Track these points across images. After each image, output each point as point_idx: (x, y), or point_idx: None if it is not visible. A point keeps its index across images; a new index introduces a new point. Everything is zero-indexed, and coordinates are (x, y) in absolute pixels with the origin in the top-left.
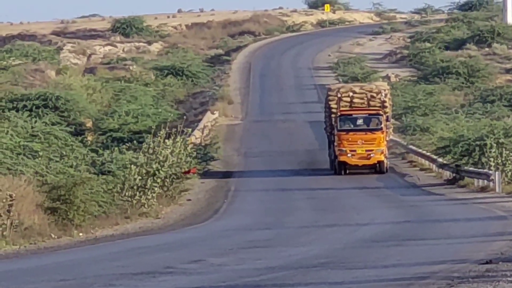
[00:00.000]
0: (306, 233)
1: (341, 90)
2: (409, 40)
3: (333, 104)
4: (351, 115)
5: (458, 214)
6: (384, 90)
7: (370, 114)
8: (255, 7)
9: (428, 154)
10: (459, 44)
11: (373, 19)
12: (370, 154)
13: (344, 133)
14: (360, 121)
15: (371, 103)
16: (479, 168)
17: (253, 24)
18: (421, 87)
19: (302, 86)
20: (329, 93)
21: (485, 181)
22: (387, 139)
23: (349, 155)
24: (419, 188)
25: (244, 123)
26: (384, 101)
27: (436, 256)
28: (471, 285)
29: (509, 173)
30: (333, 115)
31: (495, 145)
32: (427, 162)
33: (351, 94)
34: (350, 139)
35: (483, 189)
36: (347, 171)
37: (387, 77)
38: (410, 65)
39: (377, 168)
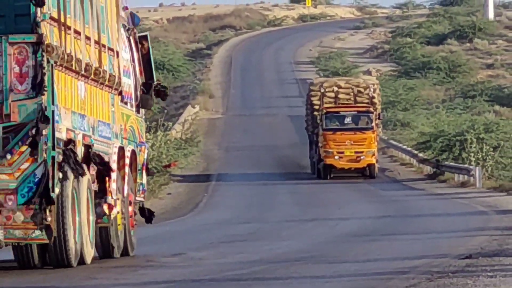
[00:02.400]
0: (288, 227)
1: (325, 84)
2: (390, 35)
3: (315, 100)
4: (338, 112)
5: (439, 209)
6: (373, 84)
7: (359, 112)
8: (236, 1)
9: (408, 149)
10: (440, 39)
11: (355, 14)
12: (360, 156)
13: (331, 132)
14: (348, 119)
15: (358, 99)
16: (459, 163)
17: (235, 18)
18: (402, 82)
19: (283, 81)
20: (311, 88)
21: (466, 176)
22: (378, 139)
23: (336, 157)
24: (400, 183)
25: (225, 117)
26: (373, 97)
27: (416, 251)
28: (451, 280)
29: (490, 168)
30: (315, 113)
31: (475, 140)
32: (407, 157)
33: (335, 89)
34: (337, 139)
35: (463, 184)
36: (332, 175)
37: (368, 72)
38: (391, 60)
39: (366, 172)
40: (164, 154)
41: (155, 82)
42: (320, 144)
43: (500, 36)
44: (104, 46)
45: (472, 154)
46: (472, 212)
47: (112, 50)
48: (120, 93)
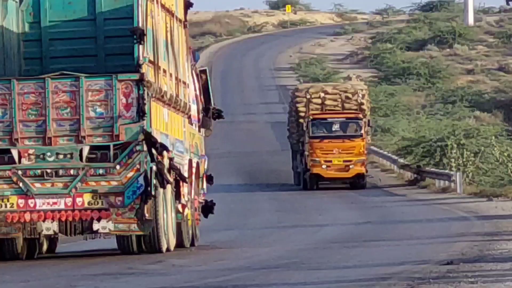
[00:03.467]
0: (269, 234)
1: (311, 90)
2: (370, 40)
3: (301, 107)
4: (325, 119)
5: (420, 215)
6: (361, 90)
7: (348, 118)
8: (216, 8)
9: (389, 155)
10: (420, 45)
11: (334, 19)
12: (348, 166)
13: (318, 140)
14: (336, 127)
15: (346, 105)
16: (440, 169)
17: (215, 24)
18: (382, 87)
19: (263, 87)
20: (297, 94)
21: (446, 182)
22: (367, 147)
23: (323, 166)
24: (381, 189)
25: None
26: (362, 103)
27: (398, 257)
28: (432, 286)
29: (470, 174)
30: (301, 120)
31: (456, 146)
32: (388, 163)
33: (322, 95)
34: (324, 147)
35: (444, 190)
36: (319, 186)
37: (349, 78)
38: (372, 66)
39: (355, 182)
40: None
41: (212, 106)
42: (306, 153)
43: (480, 41)
44: (179, 80)
45: (452, 160)
46: (453, 218)
47: (184, 83)
48: (189, 117)
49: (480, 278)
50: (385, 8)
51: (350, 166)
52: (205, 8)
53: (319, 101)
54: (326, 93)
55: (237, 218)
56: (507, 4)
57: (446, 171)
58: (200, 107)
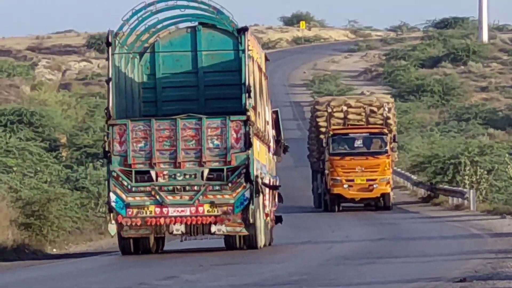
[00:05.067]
0: (281, 250)
1: (332, 103)
2: (384, 57)
3: (321, 122)
4: (347, 134)
5: (433, 232)
6: (387, 103)
7: (371, 133)
8: None
9: (402, 172)
10: (434, 62)
11: (349, 36)
12: (372, 185)
13: (339, 157)
14: (358, 142)
15: (371, 119)
16: (453, 186)
17: None
18: (396, 104)
19: (276, 103)
20: (317, 107)
21: (460, 199)
22: (393, 165)
23: (345, 186)
24: (394, 206)
25: None
26: (388, 117)
27: (411, 274)
28: None
29: (484, 191)
30: (321, 136)
31: (469, 163)
32: (401, 180)
33: (345, 108)
34: (346, 165)
35: (457, 207)
36: (341, 207)
37: (362, 95)
38: (385, 83)
39: (379, 203)
40: None
41: (282, 140)
42: (326, 171)
43: (494, 58)
44: (265, 119)
45: (466, 177)
46: (466, 235)
47: (268, 122)
48: (269, 147)
49: None
50: (399, 25)
51: (374, 186)
52: None
53: (342, 115)
54: (349, 106)
55: None
56: None
57: (460, 188)
58: (274, 139)
